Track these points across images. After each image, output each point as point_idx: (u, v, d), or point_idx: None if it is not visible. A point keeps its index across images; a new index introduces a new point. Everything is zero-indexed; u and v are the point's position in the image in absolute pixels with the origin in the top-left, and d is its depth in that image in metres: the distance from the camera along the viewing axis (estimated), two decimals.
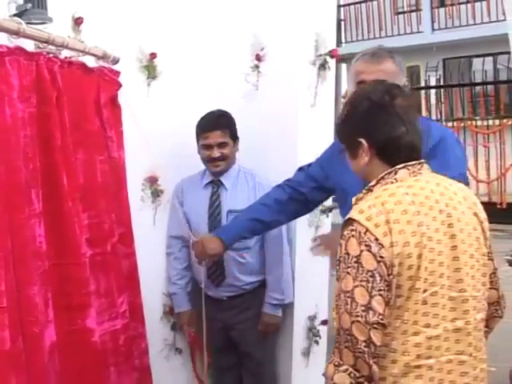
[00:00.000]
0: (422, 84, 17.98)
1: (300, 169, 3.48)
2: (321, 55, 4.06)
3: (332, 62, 4.12)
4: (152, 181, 3.95)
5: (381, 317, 2.08)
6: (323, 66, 4.08)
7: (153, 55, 3.88)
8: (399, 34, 18.32)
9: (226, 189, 3.91)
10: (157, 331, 3.93)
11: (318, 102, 4.07)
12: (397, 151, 2.26)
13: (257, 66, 4.13)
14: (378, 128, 2.27)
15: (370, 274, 2.08)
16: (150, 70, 3.89)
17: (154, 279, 3.90)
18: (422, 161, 2.30)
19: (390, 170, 2.25)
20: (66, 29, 3.18)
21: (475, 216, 2.30)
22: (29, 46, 2.63)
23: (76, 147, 3.02)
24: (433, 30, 18.74)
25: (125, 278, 3.38)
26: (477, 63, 18.11)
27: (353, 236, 2.13)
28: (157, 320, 3.99)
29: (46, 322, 2.70)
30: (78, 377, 2.90)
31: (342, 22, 19.64)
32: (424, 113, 15.19)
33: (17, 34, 2.41)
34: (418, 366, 2.13)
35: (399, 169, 2.25)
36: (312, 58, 4.04)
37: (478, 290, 2.25)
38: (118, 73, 3.35)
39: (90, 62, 3.19)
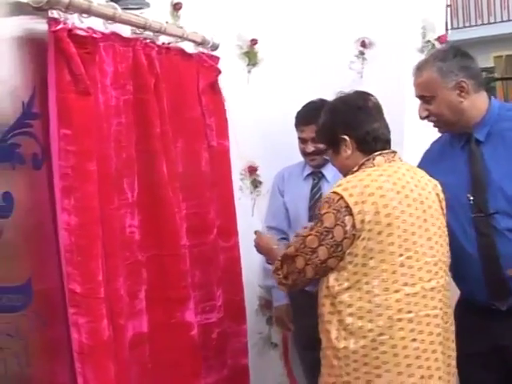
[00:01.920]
0: None
1: None
2: (429, 41, 3.89)
3: None
4: (251, 171, 3.88)
5: (320, 261, 2.58)
6: None
7: (253, 41, 3.82)
8: (509, 20, 17.64)
9: (328, 181, 3.75)
10: (252, 324, 3.79)
11: None
12: (373, 143, 2.69)
13: (362, 53, 4.00)
14: (357, 125, 2.70)
15: (325, 229, 2.55)
16: (251, 56, 3.84)
17: (250, 271, 3.78)
18: (395, 150, 2.75)
19: (368, 157, 2.67)
20: (164, 14, 3.12)
21: (437, 196, 2.74)
22: (125, 31, 2.56)
23: (175, 135, 2.92)
24: None
25: (222, 271, 3.28)
26: None
27: (326, 202, 2.58)
28: (252, 313, 3.90)
29: (131, 313, 2.63)
30: (171, 370, 2.81)
31: (448, 8, 19.10)
32: None
33: (112, 19, 2.32)
34: (400, 320, 2.52)
35: (376, 155, 2.68)
36: (419, 44, 3.88)
37: (446, 257, 2.71)
38: (217, 59, 3.24)
39: (189, 48, 3.10)
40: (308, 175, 3.81)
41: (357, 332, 2.53)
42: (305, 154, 3.74)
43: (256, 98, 3.78)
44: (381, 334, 2.50)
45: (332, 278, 2.57)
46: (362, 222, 2.50)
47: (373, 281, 2.52)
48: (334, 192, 2.56)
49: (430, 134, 3.54)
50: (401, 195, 2.58)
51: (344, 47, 3.99)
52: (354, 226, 2.50)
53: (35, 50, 2.07)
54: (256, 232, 3.17)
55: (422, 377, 2.52)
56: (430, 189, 2.72)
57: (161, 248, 2.75)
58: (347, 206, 2.51)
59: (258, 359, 3.91)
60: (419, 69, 2.94)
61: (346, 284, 2.54)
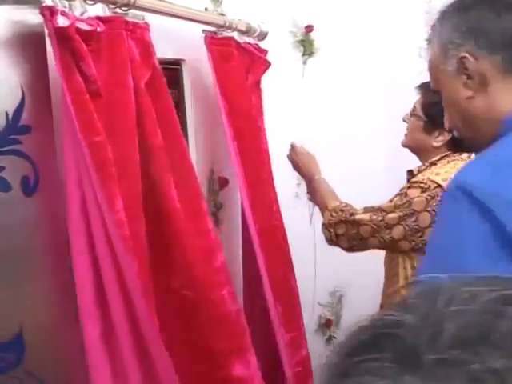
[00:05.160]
0: None
1: None
2: None
3: None
4: None
5: (390, 239, 2.57)
6: None
7: (309, 28, 3.48)
8: None
9: None
10: (310, 345, 3.44)
11: None
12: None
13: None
14: None
15: (411, 211, 2.53)
16: (306, 45, 3.50)
17: (308, 287, 3.47)
18: None
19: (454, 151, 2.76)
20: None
21: None
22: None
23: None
24: None
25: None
26: None
27: (419, 187, 2.57)
28: (311, 333, 3.56)
29: None
30: None
31: None
32: None
33: (126, 5, 1.90)
34: None
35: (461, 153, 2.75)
36: None
37: None
38: (265, 51, 2.87)
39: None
40: None
41: None
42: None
43: (313, 92, 3.47)
44: None
45: None
46: None
47: None
48: (433, 180, 2.61)
49: None
50: None
51: (412, 32, 3.68)
52: None
53: (22, 47, 1.68)
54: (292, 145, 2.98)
55: None
56: None
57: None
58: None
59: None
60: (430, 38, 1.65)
61: None
